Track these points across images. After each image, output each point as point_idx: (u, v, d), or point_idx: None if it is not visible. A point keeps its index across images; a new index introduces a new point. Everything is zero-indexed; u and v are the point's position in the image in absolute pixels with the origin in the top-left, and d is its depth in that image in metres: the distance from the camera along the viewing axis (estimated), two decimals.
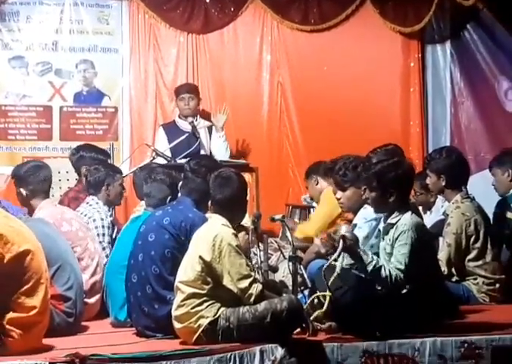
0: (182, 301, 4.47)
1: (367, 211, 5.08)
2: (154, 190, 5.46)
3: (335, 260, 4.50)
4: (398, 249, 4.55)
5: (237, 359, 4.22)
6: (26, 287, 4.15)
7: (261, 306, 4.41)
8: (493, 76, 8.26)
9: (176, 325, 4.50)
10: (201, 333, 4.41)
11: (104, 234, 5.94)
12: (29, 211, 5.84)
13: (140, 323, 4.84)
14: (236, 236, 4.54)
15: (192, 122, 7.39)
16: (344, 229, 4.56)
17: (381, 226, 4.83)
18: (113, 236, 6.03)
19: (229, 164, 6.09)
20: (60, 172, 7.10)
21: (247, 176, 6.46)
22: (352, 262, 4.50)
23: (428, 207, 6.91)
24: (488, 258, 5.72)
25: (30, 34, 7.78)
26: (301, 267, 5.22)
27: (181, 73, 8.03)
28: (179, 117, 7.57)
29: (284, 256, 5.50)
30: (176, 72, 8.04)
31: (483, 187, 6.68)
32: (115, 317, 5.29)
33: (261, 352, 4.30)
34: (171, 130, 7.49)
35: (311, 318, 4.55)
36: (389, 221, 4.70)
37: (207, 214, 4.87)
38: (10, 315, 4.12)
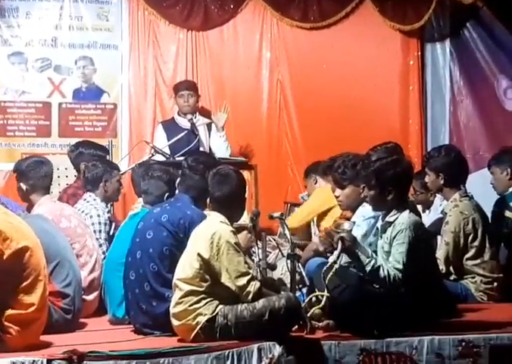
0: (180, 298, 4.47)
1: (366, 209, 5.09)
2: (152, 187, 5.46)
3: (335, 262, 4.50)
4: (396, 247, 4.55)
5: (235, 357, 4.23)
6: (24, 284, 4.15)
7: (259, 304, 4.41)
8: (492, 74, 8.27)
9: (174, 322, 4.50)
10: (199, 330, 4.41)
11: (100, 231, 5.94)
12: (28, 206, 5.86)
13: (138, 320, 4.85)
14: (235, 233, 4.54)
15: (191, 119, 7.39)
16: (346, 225, 4.58)
17: (379, 224, 4.83)
18: (111, 233, 6.04)
19: (228, 162, 6.10)
20: (58, 169, 7.09)
21: (246, 173, 6.47)
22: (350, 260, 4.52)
23: (427, 206, 6.92)
24: (486, 256, 5.72)
25: (30, 30, 7.77)
26: (300, 265, 5.22)
27: (180, 70, 8.03)
28: (179, 114, 7.57)
29: (282, 254, 5.50)
30: (175, 69, 8.04)
31: (482, 186, 6.68)
32: (113, 314, 5.30)
33: (259, 349, 4.30)
34: (170, 127, 7.48)
35: (309, 315, 4.55)
36: (387, 219, 4.70)
37: (206, 212, 4.87)
38: (9, 311, 4.12)
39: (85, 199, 6.10)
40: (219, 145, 7.39)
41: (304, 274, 5.33)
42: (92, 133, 7.80)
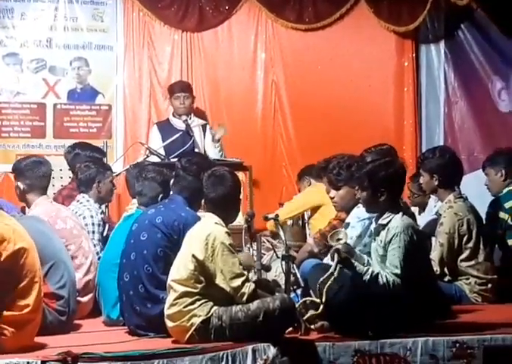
0: (174, 300, 4.47)
1: (360, 211, 5.09)
2: (146, 188, 5.46)
3: (332, 274, 4.52)
4: (392, 252, 4.56)
5: (229, 358, 4.23)
6: (19, 286, 4.15)
7: (254, 305, 4.42)
8: (487, 76, 8.29)
9: (169, 324, 4.50)
10: (194, 332, 4.41)
11: (94, 232, 5.94)
12: (24, 206, 5.85)
13: (132, 322, 4.84)
14: (229, 234, 4.54)
15: (186, 120, 7.39)
16: (341, 235, 4.59)
17: (372, 226, 4.84)
18: (105, 234, 6.04)
19: (223, 163, 6.10)
20: (53, 170, 7.05)
21: (240, 174, 6.47)
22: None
23: (424, 208, 6.94)
24: (481, 258, 5.73)
25: (24, 31, 7.76)
26: (294, 266, 5.23)
27: (175, 71, 8.03)
28: (173, 115, 7.57)
29: (277, 255, 5.50)
30: (170, 70, 8.04)
31: (476, 187, 6.69)
32: (107, 315, 5.29)
33: (253, 351, 4.30)
34: (165, 128, 7.48)
35: (304, 318, 4.56)
36: (380, 221, 4.71)
37: (201, 213, 4.87)
38: (3, 313, 4.12)
39: (78, 201, 6.10)
40: (213, 153, 7.36)
41: (298, 275, 5.34)
42: (86, 134, 7.79)
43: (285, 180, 8.11)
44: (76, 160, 6.54)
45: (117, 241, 5.31)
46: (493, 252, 6.05)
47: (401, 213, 4.68)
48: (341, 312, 4.55)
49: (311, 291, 4.97)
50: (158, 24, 8.00)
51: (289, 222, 7.04)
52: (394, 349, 4.45)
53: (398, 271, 4.52)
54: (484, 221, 6.04)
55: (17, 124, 7.75)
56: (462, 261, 5.72)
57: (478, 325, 4.78)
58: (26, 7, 7.76)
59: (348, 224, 5.29)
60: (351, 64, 8.26)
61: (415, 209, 7.10)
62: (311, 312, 4.57)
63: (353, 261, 4.56)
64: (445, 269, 5.71)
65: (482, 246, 5.75)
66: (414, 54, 8.40)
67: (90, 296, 5.49)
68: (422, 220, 6.53)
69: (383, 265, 4.63)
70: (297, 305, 4.61)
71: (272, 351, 4.33)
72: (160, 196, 5.39)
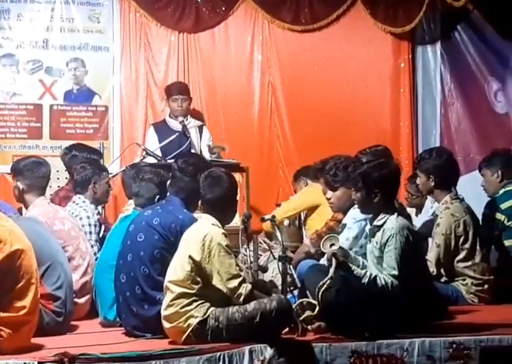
0: (171, 301, 4.47)
1: (357, 212, 5.09)
2: (142, 190, 5.46)
3: (331, 279, 4.52)
4: (389, 254, 4.57)
5: (226, 359, 4.22)
6: (16, 287, 4.14)
7: (250, 306, 4.42)
8: (483, 77, 8.30)
9: (166, 325, 4.50)
10: (191, 333, 4.41)
11: (91, 232, 5.94)
12: (21, 207, 5.85)
13: (129, 323, 4.84)
14: (226, 236, 4.54)
15: (183, 121, 7.39)
16: (334, 240, 4.61)
17: (367, 228, 4.85)
18: (101, 234, 6.04)
19: (220, 164, 6.09)
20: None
21: (237, 176, 6.46)
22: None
23: (420, 210, 6.95)
24: (477, 259, 5.73)
25: (21, 32, 7.76)
26: (291, 267, 5.23)
27: (172, 72, 8.03)
28: (170, 116, 7.57)
29: (274, 256, 5.50)
30: (166, 71, 8.04)
31: (472, 188, 6.70)
32: (104, 316, 5.29)
33: (250, 352, 4.30)
34: (162, 129, 7.48)
35: (300, 318, 4.56)
36: (375, 223, 4.72)
37: (197, 214, 4.87)
38: (0, 314, 4.11)
39: (74, 202, 6.09)
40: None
41: (295, 276, 5.34)
42: (83, 135, 7.79)
43: (281, 181, 8.11)
44: (73, 161, 6.53)
45: (113, 242, 5.30)
46: (489, 253, 6.06)
47: (395, 214, 4.69)
48: (339, 314, 4.55)
49: (308, 292, 4.98)
50: (155, 25, 8.00)
51: (286, 223, 7.04)
52: (391, 350, 4.45)
53: (396, 273, 4.53)
54: (480, 222, 6.05)
55: (14, 125, 7.75)
56: (458, 262, 5.72)
57: (474, 326, 4.78)
58: (22, 8, 7.75)
59: (345, 225, 5.30)
60: (347, 65, 8.26)
61: (412, 210, 7.11)
62: (308, 313, 4.58)
63: (350, 264, 4.58)
64: (442, 270, 5.71)
65: (478, 247, 5.76)
66: (410, 56, 8.41)
67: (87, 297, 5.49)
68: (419, 221, 6.54)
69: (379, 266, 4.64)
70: (294, 306, 4.61)
71: (269, 352, 4.33)
72: (157, 197, 5.39)
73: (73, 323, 5.16)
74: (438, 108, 8.45)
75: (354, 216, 5.16)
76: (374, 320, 4.47)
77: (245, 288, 4.45)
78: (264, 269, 5.46)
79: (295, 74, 8.23)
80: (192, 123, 7.54)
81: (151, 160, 6.82)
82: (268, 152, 8.19)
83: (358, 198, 4.78)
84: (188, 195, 4.94)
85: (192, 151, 7.25)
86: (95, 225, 5.99)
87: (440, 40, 8.45)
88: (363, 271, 4.56)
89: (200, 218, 4.70)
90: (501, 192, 6.29)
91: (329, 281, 4.53)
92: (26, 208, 5.64)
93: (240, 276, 4.48)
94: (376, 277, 4.53)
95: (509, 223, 6.13)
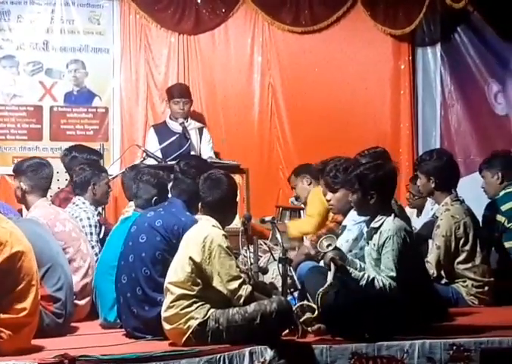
0: (171, 302, 4.46)
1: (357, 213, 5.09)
2: (140, 191, 5.47)
3: (331, 285, 4.53)
4: (386, 255, 4.58)
5: (226, 361, 4.22)
6: (16, 289, 4.14)
7: (251, 308, 4.41)
8: (483, 79, 8.30)
9: (166, 326, 4.50)
10: (191, 334, 4.41)
11: (92, 233, 5.94)
12: (23, 208, 5.84)
13: (130, 324, 4.84)
14: (227, 237, 4.54)
15: (183, 123, 7.39)
16: (330, 240, 4.62)
17: (365, 230, 4.85)
18: (101, 236, 6.04)
19: (220, 166, 6.10)
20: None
21: (237, 177, 6.48)
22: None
23: (421, 211, 6.96)
24: (478, 260, 5.73)
25: (21, 33, 7.76)
26: (291, 268, 5.22)
27: (172, 73, 8.04)
28: (170, 118, 7.57)
29: (274, 258, 5.50)
30: (167, 73, 8.05)
31: (473, 190, 6.70)
32: (105, 318, 5.29)
33: (251, 353, 4.30)
34: (162, 130, 7.48)
35: (301, 320, 4.56)
36: (372, 225, 4.72)
37: (198, 216, 4.87)
38: (0, 316, 4.11)
39: (74, 203, 6.09)
40: (208, 156, 7.31)
41: (295, 277, 5.33)
42: (83, 136, 7.79)
43: (281, 182, 8.10)
44: (73, 163, 6.53)
45: (114, 243, 5.30)
46: (490, 254, 6.05)
47: (392, 215, 4.70)
48: (338, 317, 4.55)
49: (308, 294, 4.98)
50: (155, 27, 8.00)
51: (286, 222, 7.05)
52: (392, 351, 4.45)
53: (394, 274, 4.53)
54: (481, 224, 6.05)
55: (14, 127, 7.75)
56: (459, 263, 5.72)
57: (475, 328, 4.78)
58: (22, 9, 7.76)
59: (345, 226, 5.30)
60: (347, 67, 8.27)
61: (413, 211, 7.12)
62: (308, 315, 4.58)
63: (348, 267, 4.58)
64: (442, 272, 5.71)
65: (478, 249, 5.75)
66: (411, 57, 8.41)
67: (88, 299, 5.49)
68: (419, 222, 6.54)
69: (377, 268, 4.64)
70: (294, 308, 4.61)
71: (269, 354, 4.33)
72: (155, 198, 5.39)
73: (74, 324, 5.15)
74: (439, 109, 8.45)
75: (354, 218, 5.16)
76: (373, 322, 4.47)
77: (246, 290, 4.45)
78: (264, 271, 5.46)
79: (295, 76, 8.23)
80: (192, 125, 7.54)
81: (151, 161, 6.83)
82: (268, 153, 8.19)
83: (355, 200, 4.79)
84: (190, 197, 4.94)
85: (192, 153, 7.25)
86: (96, 226, 5.99)
87: (440, 42, 8.45)
88: (361, 274, 4.58)
89: (200, 220, 4.70)
90: (502, 193, 6.28)
91: (329, 288, 4.54)
92: (28, 209, 5.64)
93: (240, 277, 4.48)
94: (373, 279, 4.53)
95: (509, 225, 6.13)
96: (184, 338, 4.42)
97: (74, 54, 7.87)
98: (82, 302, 5.44)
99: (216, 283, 4.43)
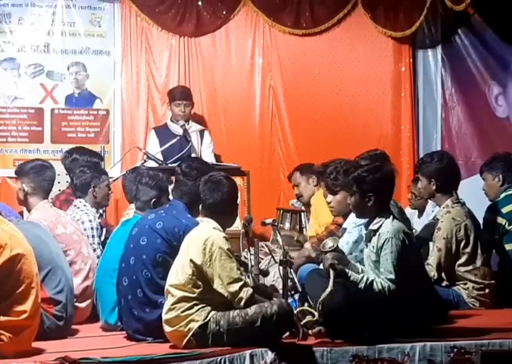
0: (172, 304, 4.47)
1: None
2: (139, 193, 5.47)
3: (331, 291, 4.54)
4: (385, 258, 4.58)
5: (227, 363, 4.22)
6: (17, 292, 4.15)
7: (251, 310, 4.42)
8: (484, 81, 8.30)
9: (167, 329, 4.50)
10: (191, 337, 4.41)
11: (93, 236, 5.95)
12: (24, 210, 5.85)
13: (130, 327, 4.84)
14: (227, 239, 4.54)
15: (184, 125, 7.39)
16: (333, 242, 4.61)
17: (363, 232, 4.85)
18: (102, 238, 6.04)
19: (221, 168, 6.10)
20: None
21: (238, 180, 6.47)
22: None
23: (422, 212, 6.96)
24: (478, 263, 5.73)
25: (22, 36, 7.76)
26: (292, 271, 5.23)
27: (173, 76, 8.03)
28: (171, 120, 7.57)
29: (275, 260, 5.50)
30: (167, 75, 8.04)
31: (473, 192, 6.70)
32: (105, 320, 5.29)
33: (251, 356, 4.30)
34: (163, 133, 7.48)
35: (301, 323, 4.56)
36: (371, 227, 4.72)
37: (199, 218, 4.87)
38: (1, 318, 4.11)
39: (75, 205, 6.10)
40: (209, 159, 7.30)
41: (296, 280, 5.34)
42: (84, 139, 7.79)
43: (282, 184, 8.10)
44: (74, 165, 6.53)
45: (114, 246, 5.31)
46: (490, 257, 6.06)
47: (391, 217, 4.70)
48: (337, 320, 4.55)
49: (308, 296, 4.98)
50: (156, 29, 8.00)
51: (287, 226, 7.04)
52: (392, 354, 4.45)
53: (393, 276, 4.53)
54: (481, 226, 6.05)
55: (15, 129, 7.74)
56: (460, 266, 5.72)
57: (475, 330, 4.79)
58: (23, 12, 7.76)
59: (345, 229, 5.30)
60: (348, 69, 8.26)
61: (414, 212, 7.12)
62: (309, 318, 4.58)
63: (347, 270, 4.58)
64: (443, 274, 5.71)
65: (479, 251, 5.76)
66: (411, 60, 8.40)
67: (88, 301, 5.49)
68: (420, 223, 6.54)
69: (377, 270, 4.64)
70: (295, 311, 4.61)
71: (270, 356, 4.33)
72: (153, 200, 5.39)
73: (74, 327, 5.16)
74: (439, 111, 8.45)
75: (354, 220, 5.16)
76: (374, 325, 4.47)
77: (246, 292, 4.45)
78: (265, 273, 5.45)
79: (296, 78, 8.23)
80: (193, 128, 7.54)
81: (152, 164, 6.83)
82: (269, 155, 8.18)
83: (353, 202, 4.79)
84: (191, 199, 4.94)
85: (193, 155, 7.25)
86: (97, 229, 6.00)
87: (441, 44, 8.45)
88: (360, 276, 4.58)
89: (201, 222, 4.70)
90: (502, 196, 6.29)
91: (329, 294, 4.55)
92: (29, 211, 5.64)
93: (241, 280, 4.48)
94: (372, 281, 4.54)
95: (510, 227, 6.13)
96: (185, 340, 4.42)
97: (75, 56, 7.87)
98: (82, 305, 5.44)
99: (217, 285, 4.43)
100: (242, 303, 4.44)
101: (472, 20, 8.28)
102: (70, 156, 6.67)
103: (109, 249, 5.45)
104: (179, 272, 4.49)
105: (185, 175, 5.07)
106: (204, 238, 4.48)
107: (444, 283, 5.73)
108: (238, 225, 5.41)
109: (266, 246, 6.11)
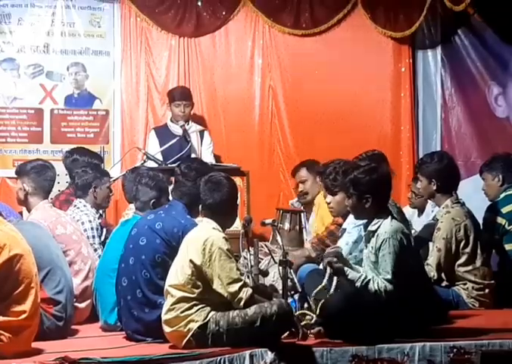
0: (172, 305, 4.47)
1: None
2: (139, 193, 5.48)
3: (325, 287, 4.55)
4: (383, 258, 4.59)
5: (227, 363, 4.22)
6: (16, 292, 4.15)
7: (251, 310, 4.42)
8: (483, 81, 8.30)
9: (166, 329, 4.50)
10: (191, 337, 4.41)
11: (94, 236, 5.95)
12: (23, 210, 5.84)
13: (130, 327, 4.84)
14: (227, 240, 4.54)
15: (183, 126, 7.39)
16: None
17: (363, 233, 4.85)
18: (102, 238, 6.04)
19: (220, 168, 6.09)
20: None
21: (238, 180, 6.46)
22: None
23: (422, 211, 6.95)
24: (478, 263, 5.74)
25: (22, 36, 7.75)
26: (291, 271, 5.22)
27: (172, 76, 8.03)
28: (171, 120, 7.57)
29: (274, 260, 5.50)
30: (167, 75, 8.04)
31: (473, 192, 6.71)
32: (105, 321, 5.29)
33: (251, 356, 4.31)
34: (163, 133, 7.48)
35: (302, 323, 4.56)
36: (369, 228, 4.73)
37: (198, 219, 4.87)
38: (0, 318, 4.11)
39: (75, 206, 6.10)
40: (209, 159, 7.30)
41: (296, 280, 5.33)
42: (84, 139, 7.78)
43: (282, 185, 8.10)
44: (74, 165, 6.54)
45: (114, 246, 5.31)
46: (490, 257, 6.06)
47: (389, 218, 4.70)
48: (335, 320, 4.55)
49: (308, 296, 4.98)
50: (155, 30, 7.99)
51: (286, 227, 7.02)
52: (392, 354, 4.45)
53: (390, 277, 4.54)
54: (481, 226, 6.05)
55: (14, 130, 7.74)
56: (459, 266, 5.73)
57: (475, 330, 4.79)
58: (23, 12, 7.75)
59: (345, 229, 5.30)
60: (347, 70, 8.25)
61: (414, 212, 7.12)
62: (308, 318, 4.58)
63: (345, 269, 4.58)
64: (443, 274, 5.71)
65: (479, 251, 5.76)
66: (411, 60, 8.40)
67: (88, 301, 5.49)
68: (420, 223, 6.54)
69: (376, 271, 4.64)
70: (294, 311, 4.62)
71: (269, 356, 4.34)
72: (153, 201, 5.39)
73: (74, 327, 5.16)
74: (439, 112, 8.45)
75: (354, 221, 5.16)
76: (372, 325, 4.47)
77: (246, 292, 4.45)
78: (265, 273, 5.45)
79: (296, 78, 8.22)
80: (193, 128, 7.54)
81: (151, 164, 6.83)
82: (269, 156, 8.18)
83: (350, 204, 4.80)
84: (190, 200, 4.95)
85: (193, 155, 7.25)
86: (97, 229, 6.01)
87: (440, 44, 8.44)
88: (358, 275, 4.57)
89: (201, 223, 4.70)
90: (502, 196, 6.29)
91: (323, 290, 4.55)
92: (29, 211, 5.64)
93: (241, 280, 4.48)
94: (369, 280, 4.53)
95: (510, 227, 6.13)
96: (184, 341, 4.42)
97: (75, 56, 7.86)
98: (82, 305, 5.44)
99: (217, 285, 4.43)
100: (242, 303, 4.44)
101: (471, 20, 8.28)
102: (70, 156, 6.67)
103: (108, 250, 5.45)
104: (178, 272, 4.49)
105: (184, 176, 5.07)
106: (203, 238, 4.48)
107: (444, 283, 5.74)
108: (237, 225, 5.41)
109: (266, 246, 6.11)
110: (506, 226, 6.14)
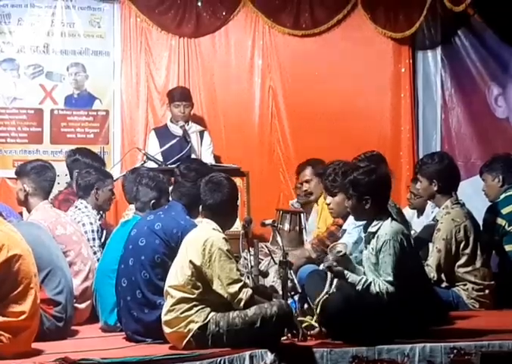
0: (171, 306, 4.47)
1: None
2: (139, 194, 5.48)
3: (327, 293, 4.55)
4: (384, 260, 4.58)
5: None
6: (15, 292, 4.15)
7: (251, 311, 4.42)
8: (483, 82, 8.30)
9: (166, 330, 4.50)
10: (191, 338, 4.41)
11: (94, 238, 5.95)
12: (23, 211, 5.84)
13: (130, 328, 4.84)
14: (227, 240, 4.54)
15: (183, 126, 7.39)
16: (341, 246, 4.62)
17: (363, 234, 4.85)
18: (102, 239, 6.03)
19: (220, 169, 6.09)
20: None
21: (238, 180, 6.46)
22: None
23: (422, 212, 6.95)
24: (478, 264, 5.74)
25: (21, 37, 7.75)
26: (292, 272, 5.23)
27: (172, 76, 8.03)
28: (171, 121, 7.56)
29: (274, 261, 5.50)
30: (167, 76, 8.04)
31: (473, 193, 6.70)
32: (105, 321, 5.29)
33: (251, 357, 4.30)
34: (163, 134, 7.47)
35: (302, 325, 4.56)
36: (369, 229, 4.72)
37: (198, 219, 4.87)
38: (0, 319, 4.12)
39: (76, 206, 6.09)
40: (209, 160, 7.30)
41: (295, 281, 5.33)
42: (84, 139, 7.78)
43: (282, 185, 8.10)
44: (75, 165, 6.54)
45: (114, 247, 5.31)
46: (490, 258, 6.06)
47: (389, 219, 4.70)
48: (336, 321, 4.55)
49: (308, 297, 4.98)
50: (155, 30, 7.99)
51: (286, 227, 7.02)
52: (392, 355, 4.45)
53: (391, 278, 4.54)
54: (481, 227, 6.05)
55: (14, 130, 7.74)
56: (459, 267, 5.73)
57: (475, 331, 4.79)
58: (22, 12, 7.75)
59: (345, 230, 5.30)
60: (347, 70, 8.25)
61: (414, 212, 7.12)
62: (308, 318, 4.58)
63: (345, 272, 4.58)
64: (442, 275, 5.71)
65: (479, 252, 5.76)
66: (411, 61, 8.40)
67: (88, 302, 5.49)
68: (419, 224, 6.54)
69: (376, 272, 4.64)
70: (294, 312, 4.61)
71: (269, 357, 4.33)
72: (153, 201, 5.39)
73: (74, 328, 5.16)
74: (439, 112, 8.45)
75: (354, 222, 5.16)
76: (372, 326, 4.47)
77: (246, 293, 4.45)
78: (265, 274, 5.45)
79: (296, 79, 8.22)
80: (193, 129, 7.54)
81: (151, 165, 6.82)
82: (268, 156, 8.18)
83: (350, 205, 4.79)
84: (190, 200, 4.94)
85: (193, 156, 7.25)
86: (98, 231, 6.00)
87: (440, 45, 8.44)
88: (359, 278, 4.58)
89: (200, 223, 4.70)
90: (502, 197, 6.29)
91: (326, 296, 4.55)
92: (29, 211, 5.63)
93: (241, 281, 4.48)
94: (370, 283, 4.54)
95: (510, 228, 6.13)
96: (184, 342, 4.42)
97: (75, 57, 7.86)
98: (82, 306, 5.44)
99: (217, 286, 4.43)
100: (242, 304, 4.44)
101: (472, 20, 8.28)
102: (72, 155, 6.68)
103: (108, 250, 5.45)
104: (178, 273, 4.49)
105: (183, 176, 5.06)
106: (203, 239, 4.48)
107: (444, 284, 5.73)
108: (237, 226, 5.40)
109: (266, 246, 6.11)
110: (506, 227, 6.14)
